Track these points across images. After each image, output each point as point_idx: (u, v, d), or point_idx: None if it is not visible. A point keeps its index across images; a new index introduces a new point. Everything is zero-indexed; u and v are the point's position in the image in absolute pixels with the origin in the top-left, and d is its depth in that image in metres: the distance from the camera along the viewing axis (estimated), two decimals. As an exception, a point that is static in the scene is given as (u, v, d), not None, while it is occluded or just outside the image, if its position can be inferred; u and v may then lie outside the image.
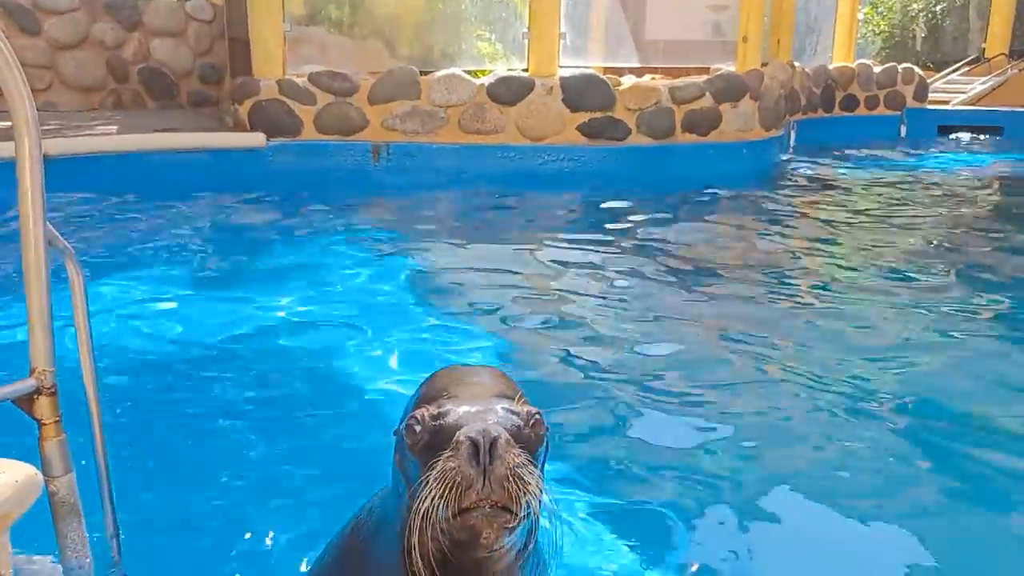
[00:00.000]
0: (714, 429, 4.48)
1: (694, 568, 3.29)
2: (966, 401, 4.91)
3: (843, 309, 6.70)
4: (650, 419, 4.60)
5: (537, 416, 2.00)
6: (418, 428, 1.96)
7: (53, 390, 2.62)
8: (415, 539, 1.84)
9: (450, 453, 1.79)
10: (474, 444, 1.76)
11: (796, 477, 4.02)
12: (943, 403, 4.88)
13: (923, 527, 3.56)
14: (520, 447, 1.83)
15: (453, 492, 1.77)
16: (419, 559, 1.89)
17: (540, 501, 1.83)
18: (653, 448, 4.30)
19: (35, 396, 2.60)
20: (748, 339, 5.94)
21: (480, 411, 1.92)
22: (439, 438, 1.89)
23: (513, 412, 1.95)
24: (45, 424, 2.63)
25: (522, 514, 1.80)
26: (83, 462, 2.76)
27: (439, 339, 5.70)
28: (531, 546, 1.99)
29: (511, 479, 1.76)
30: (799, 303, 6.96)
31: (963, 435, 4.53)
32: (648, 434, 4.43)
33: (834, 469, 4.12)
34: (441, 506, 1.77)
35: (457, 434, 1.81)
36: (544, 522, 1.96)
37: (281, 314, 6.16)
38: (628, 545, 3.40)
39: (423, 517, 1.80)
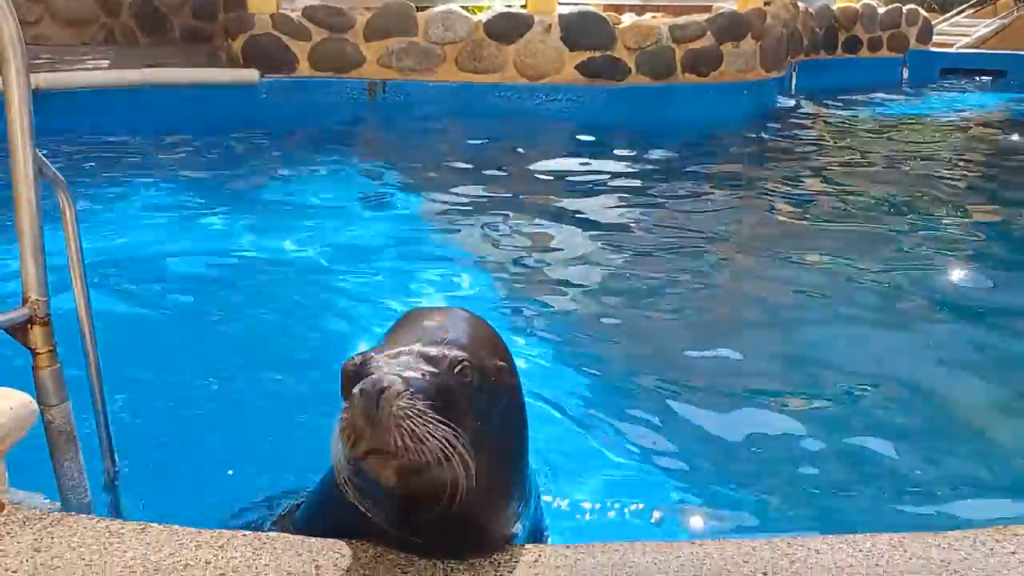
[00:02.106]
0: (718, 346, 4.64)
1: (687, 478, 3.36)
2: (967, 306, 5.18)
3: (834, 237, 6.80)
4: (650, 340, 4.72)
5: (462, 364, 1.97)
6: (345, 379, 1.98)
7: (46, 320, 2.61)
8: (340, 481, 1.93)
9: (346, 404, 1.84)
10: (363, 395, 1.78)
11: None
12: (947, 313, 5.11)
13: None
14: (439, 395, 1.85)
15: (347, 442, 1.81)
16: (356, 500, 1.96)
17: (457, 445, 1.82)
18: (646, 361, 4.47)
19: (28, 325, 2.59)
20: (742, 265, 6.03)
21: (392, 360, 1.93)
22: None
23: (429, 359, 1.95)
24: (39, 353, 2.62)
25: (423, 459, 1.80)
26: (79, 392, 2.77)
27: (430, 274, 5.72)
28: (457, 492, 1.90)
29: (396, 429, 1.77)
30: (795, 235, 6.99)
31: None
32: (646, 351, 4.58)
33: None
34: (342, 455, 1.85)
35: (354, 387, 1.84)
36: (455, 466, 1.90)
37: (272, 248, 6.16)
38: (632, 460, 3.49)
39: (336, 464, 1.88)
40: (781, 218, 7.64)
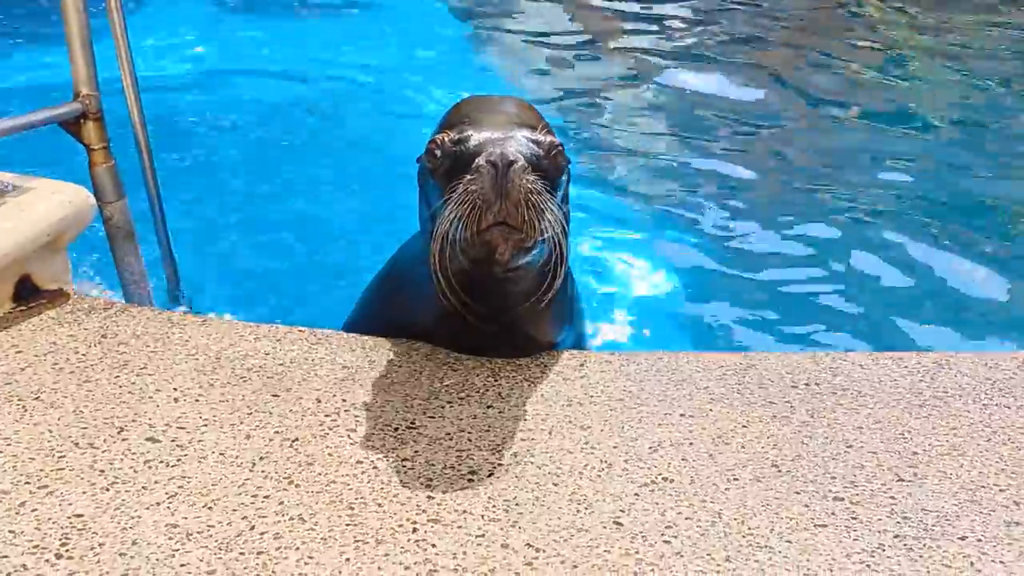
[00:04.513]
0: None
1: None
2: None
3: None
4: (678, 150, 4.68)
5: (558, 147, 2.02)
6: (439, 153, 1.99)
7: (99, 115, 2.61)
8: (437, 261, 1.93)
9: (471, 177, 1.83)
10: (493, 167, 1.80)
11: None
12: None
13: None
14: (539, 175, 1.87)
15: (472, 213, 1.82)
16: (444, 281, 1.97)
17: (556, 228, 1.88)
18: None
19: (82, 120, 2.59)
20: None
21: (500, 138, 1.93)
22: (459, 163, 1.92)
23: (533, 141, 1.97)
24: (94, 150, 2.64)
25: (536, 236, 1.86)
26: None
27: (480, 72, 5.65)
28: (555, 280, 2.04)
29: (525, 203, 1.81)
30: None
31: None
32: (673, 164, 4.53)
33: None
34: (461, 227, 1.84)
35: (477, 159, 1.84)
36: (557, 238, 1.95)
37: (327, 46, 6.05)
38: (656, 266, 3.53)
39: (444, 238, 1.88)
40: None
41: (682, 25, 7.33)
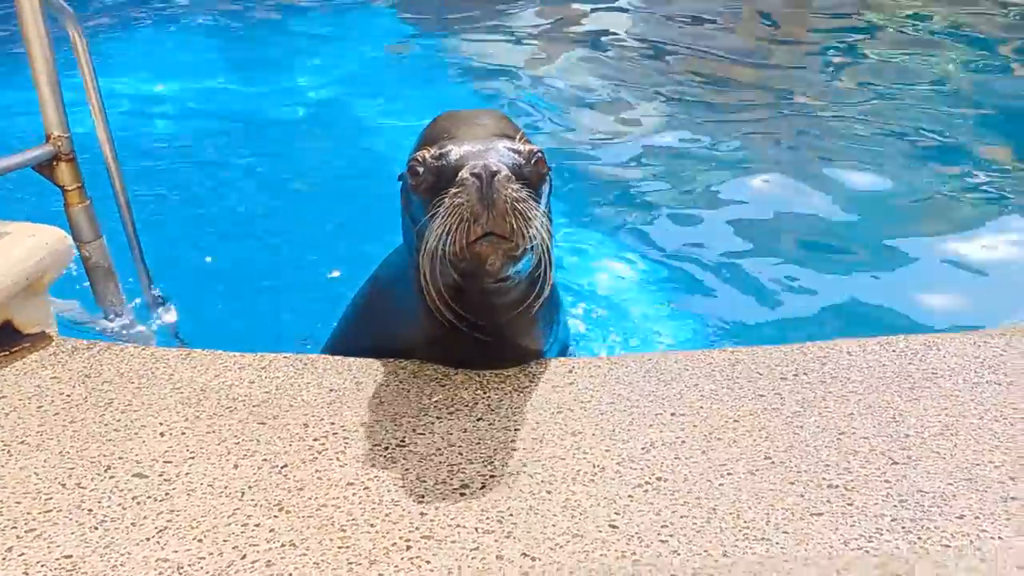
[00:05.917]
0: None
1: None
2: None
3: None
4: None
5: (539, 154, 2.02)
6: (421, 169, 1.99)
7: (71, 156, 2.61)
8: (427, 276, 1.93)
9: (456, 190, 1.83)
10: (477, 179, 1.80)
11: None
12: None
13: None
14: (522, 183, 1.86)
15: (460, 226, 1.82)
16: (435, 296, 1.97)
17: (544, 235, 1.88)
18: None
19: (54, 163, 2.59)
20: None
21: (481, 150, 1.94)
22: (442, 177, 1.92)
23: (514, 150, 1.97)
24: (68, 191, 2.64)
25: (525, 244, 1.86)
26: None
27: (451, 91, 5.69)
28: (544, 286, 2.04)
29: (512, 212, 1.81)
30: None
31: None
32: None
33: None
34: (449, 241, 1.83)
35: (461, 172, 1.84)
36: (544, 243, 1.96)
37: (296, 75, 6.08)
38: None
39: (433, 253, 1.87)
40: None
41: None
